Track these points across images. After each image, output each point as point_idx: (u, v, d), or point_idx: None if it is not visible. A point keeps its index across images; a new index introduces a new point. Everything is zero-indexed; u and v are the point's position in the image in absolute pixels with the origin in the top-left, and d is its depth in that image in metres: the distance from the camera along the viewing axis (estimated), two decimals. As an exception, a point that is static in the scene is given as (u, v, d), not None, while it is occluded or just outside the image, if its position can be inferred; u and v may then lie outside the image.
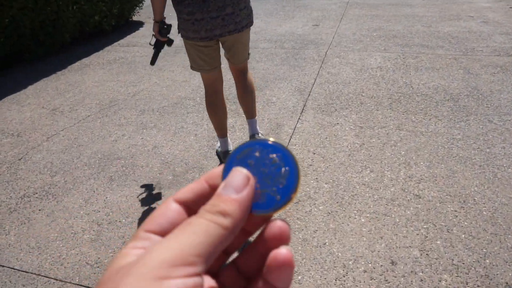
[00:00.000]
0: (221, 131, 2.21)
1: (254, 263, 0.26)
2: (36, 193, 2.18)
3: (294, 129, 2.57)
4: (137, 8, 5.87)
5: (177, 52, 4.28)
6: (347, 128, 2.52)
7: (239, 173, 0.26)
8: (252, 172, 0.26)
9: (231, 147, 2.27)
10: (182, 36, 1.93)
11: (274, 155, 0.27)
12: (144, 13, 6.27)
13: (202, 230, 0.22)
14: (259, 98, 3.02)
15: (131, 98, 3.27)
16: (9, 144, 2.69)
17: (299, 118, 2.70)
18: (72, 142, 2.65)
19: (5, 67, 4.17)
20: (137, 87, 3.48)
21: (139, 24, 5.80)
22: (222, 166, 0.27)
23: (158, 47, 2.05)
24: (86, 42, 4.95)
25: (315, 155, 2.27)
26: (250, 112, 2.24)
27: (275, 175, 0.26)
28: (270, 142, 0.27)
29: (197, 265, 0.21)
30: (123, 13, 5.49)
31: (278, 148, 0.27)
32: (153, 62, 2.09)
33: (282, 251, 0.24)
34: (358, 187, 1.97)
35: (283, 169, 0.26)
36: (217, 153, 2.37)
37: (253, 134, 2.32)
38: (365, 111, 2.71)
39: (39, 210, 2.04)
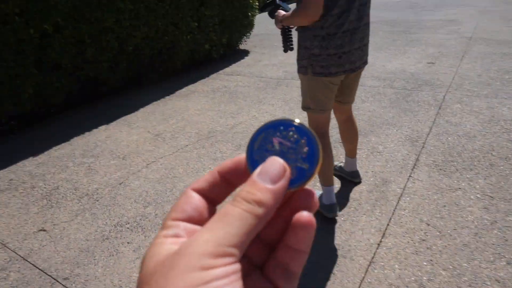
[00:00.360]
0: (328, 179, 2.00)
1: (276, 231, 0.28)
2: (128, 223, 2.21)
3: (404, 189, 2.21)
4: (245, 37, 6.07)
5: (279, 84, 4.22)
6: (472, 197, 2.08)
7: (277, 163, 0.27)
8: (276, 153, 0.28)
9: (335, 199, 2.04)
10: (314, 73, 1.79)
11: (289, 131, 0.28)
12: (251, 42, 6.45)
13: (237, 220, 0.23)
14: (363, 145, 2.72)
15: (229, 131, 3.25)
16: (114, 166, 2.85)
17: (410, 176, 2.33)
18: (168, 172, 2.69)
19: (123, 90, 4.57)
20: (236, 119, 3.47)
21: (245, 53, 5.96)
22: (237, 158, 0.29)
23: (283, 33, 1.95)
24: (195, 69, 5.23)
25: (429, 227, 1.89)
26: (354, 151, 2.25)
27: (296, 147, 0.28)
28: (279, 121, 0.28)
29: (234, 255, 0.23)
30: (231, 42, 5.71)
31: (288, 123, 0.28)
32: (285, 49, 1.98)
33: (304, 213, 0.26)
34: (489, 283, 1.55)
35: (301, 141, 0.28)
36: (320, 206, 2.02)
37: (354, 171, 2.31)
38: (497, 177, 2.23)
39: (128, 243, 2.05)
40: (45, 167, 2.90)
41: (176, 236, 0.26)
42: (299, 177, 0.27)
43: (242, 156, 0.29)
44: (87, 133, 3.45)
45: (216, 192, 0.29)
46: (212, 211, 0.29)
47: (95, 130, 3.50)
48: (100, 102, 4.26)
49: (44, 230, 2.19)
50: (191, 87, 4.54)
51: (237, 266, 0.23)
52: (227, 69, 5.15)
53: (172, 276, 0.21)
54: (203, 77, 4.86)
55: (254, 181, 0.26)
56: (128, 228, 2.17)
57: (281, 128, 0.28)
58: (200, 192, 0.28)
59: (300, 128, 0.28)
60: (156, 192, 2.47)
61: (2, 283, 1.84)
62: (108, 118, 3.75)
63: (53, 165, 2.91)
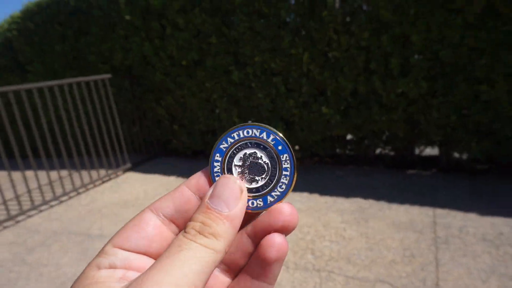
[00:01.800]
0: None
1: (236, 252, 0.25)
2: None
3: None
4: None
5: None
6: None
7: (231, 184, 0.24)
8: (243, 168, 0.25)
9: None
10: None
11: (269, 143, 0.25)
12: None
13: (195, 257, 0.20)
14: None
15: None
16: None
17: None
18: None
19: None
20: None
21: None
22: (204, 172, 0.26)
23: None
24: None
25: None
26: None
27: (275, 164, 0.25)
28: (259, 128, 0.25)
29: None
30: None
31: (269, 133, 0.25)
32: None
33: (275, 238, 0.23)
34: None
35: (282, 156, 0.25)
36: None
37: None
38: None
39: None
40: None
41: (112, 267, 0.22)
42: (264, 201, 0.25)
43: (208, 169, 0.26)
44: None
45: (183, 213, 0.25)
46: (169, 239, 0.25)
47: None
48: None
49: None
50: None
51: None
52: None
53: None
54: None
55: (207, 208, 0.23)
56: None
57: (260, 136, 0.26)
58: (164, 213, 0.25)
59: (283, 142, 0.26)
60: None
61: None
62: None
63: None
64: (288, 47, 2.91)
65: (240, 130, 0.26)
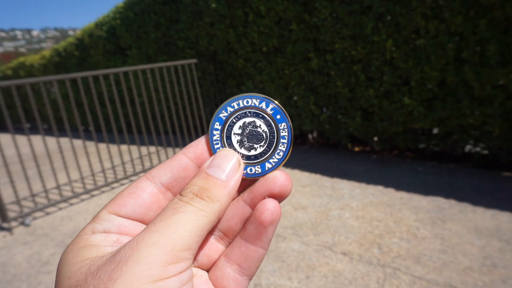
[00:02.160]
0: None
1: (231, 219, 0.26)
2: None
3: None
4: None
5: None
6: None
7: (230, 156, 0.24)
8: (242, 136, 0.26)
9: None
10: None
11: (266, 111, 0.26)
12: None
13: (190, 219, 0.21)
14: None
15: None
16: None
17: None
18: None
19: None
20: None
21: None
22: (205, 137, 0.26)
23: None
24: None
25: None
26: None
27: (273, 132, 0.25)
28: (256, 97, 0.26)
29: (187, 259, 0.20)
30: None
31: (268, 102, 0.26)
32: None
33: (269, 203, 0.24)
34: None
35: (281, 125, 0.26)
36: None
37: None
38: None
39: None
40: None
41: (106, 231, 0.23)
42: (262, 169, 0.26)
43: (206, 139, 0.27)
44: None
45: (180, 181, 0.26)
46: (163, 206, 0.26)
47: None
48: None
49: None
50: None
51: (191, 273, 0.21)
52: None
53: (117, 285, 0.18)
54: None
55: (206, 174, 0.24)
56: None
57: (260, 106, 0.27)
58: (161, 181, 0.25)
59: (281, 112, 0.27)
60: None
61: None
62: None
63: None
64: (371, 33, 2.78)
65: (240, 99, 0.27)
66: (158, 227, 0.20)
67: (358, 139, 3.46)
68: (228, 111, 0.26)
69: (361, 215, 2.17)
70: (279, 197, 0.25)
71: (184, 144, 4.30)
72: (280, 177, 0.25)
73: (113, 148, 4.53)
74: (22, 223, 2.80)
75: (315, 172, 3.01)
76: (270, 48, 3.58)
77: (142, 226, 0.24)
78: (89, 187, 3.23)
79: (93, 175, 3.21)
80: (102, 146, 4.54)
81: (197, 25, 4.19)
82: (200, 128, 4.32)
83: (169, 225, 0.20)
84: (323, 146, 3.74)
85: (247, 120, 0.26)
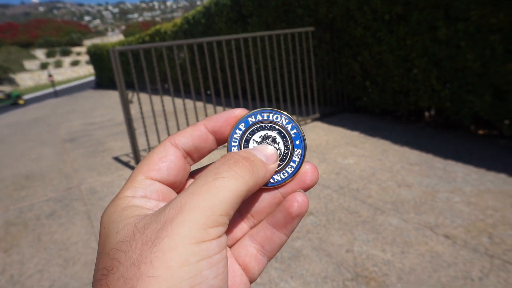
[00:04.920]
0: None
1: (258, 202, 0.28)
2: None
3: None
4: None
5: None
6: None
7: (272, 149, 0.26)
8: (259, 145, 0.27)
9: None
10: None
11: (285, 130, 0.27)
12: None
13: (231, 185, 0.21)
14: None
15: None
16: None
17: None
18: None
19: None
20: None
21: None
22: (226, 114, 0.27)
23: None
24: None
25: None
26: None
27: (290, 148, 0.27)
28: (276, 113, 0.27)
29: (225, 224, 0.21)
30: None
31: (289, 121, 0.27)
32: None
33: (298, 196, 0.26)
34: None
35: (296, 142, 0.27)
36: None
37: None
38: None
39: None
40: None
41: (145, 197, 0.23)
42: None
43: (232, 114, 0.28)
44: None
45: (199, 149, 0.27)
46: (188, 173, 0.27)
47: None
48: None
49: None
50: None
51: (226, 239, 0.22)
52: None
53: (161, 249, 0.19)
54: None
55: (248, 151, 0.25)
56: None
57: (285, 125, 0.28)
58: (182, 148, 0.26)
59: (297, 128, 0.28)
60: None
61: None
62: None
63: None
64: (519, -2, 2.38)
65: (270, 113, 0.28)
66: (200, 191, 0.21)
67: (484, 121, 3.07)
68: (257, 118, 0.28)
69: (474, 201, 1.99)
70: (307, 188, 0.27)
71: (293, 112, 4.41)
72: (309, 171, 0.27)
73: (219, 109, 4.89)
74: (152, 166, 3.30)
75: (427, 151, 2.81)
76: (393, 15, 3.35)
77: (174, 194, 0.26)
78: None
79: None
80: (219, 109, 4.94)
81: (317, -8, 4.13)
82: (311, 97, 4.35)
83: (210, 189, 0.21)
84: (441, 125, 3.43)
85: (269, 133, 0.27)
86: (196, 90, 8.10)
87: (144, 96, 4.45)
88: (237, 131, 0.27)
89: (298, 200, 0.26)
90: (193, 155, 0.27)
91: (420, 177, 2.38)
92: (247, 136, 0.27)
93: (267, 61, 4.27)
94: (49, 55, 45.99)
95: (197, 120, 3.48)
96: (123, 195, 0.23)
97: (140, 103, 3.12)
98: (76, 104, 11.74)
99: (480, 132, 3.12)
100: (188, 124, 3.41)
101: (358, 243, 1.75)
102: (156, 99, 4.88)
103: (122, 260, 0.19)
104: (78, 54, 48.26)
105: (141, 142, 3.77)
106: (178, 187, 0.26)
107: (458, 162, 2.53)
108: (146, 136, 3.25)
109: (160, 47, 3.18)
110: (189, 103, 4.37)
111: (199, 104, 5.45)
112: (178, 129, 3.41)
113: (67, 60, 45.49)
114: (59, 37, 53.48)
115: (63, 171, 3.69)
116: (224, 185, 0.21)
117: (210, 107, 5.42)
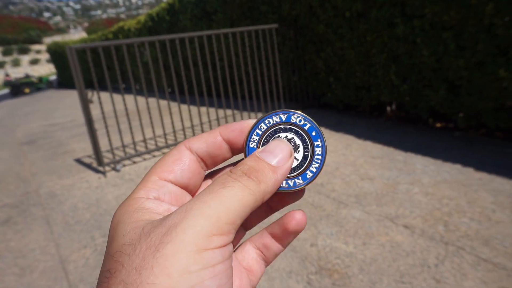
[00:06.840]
0: None
1: (258, 215, 0.29)
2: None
3: None
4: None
5: None
6: None
7: (284, 145, 0.25)
8: None
9: None
10: None
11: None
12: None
13: (237, 195, 0.21)
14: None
15: None
16: None
17: None
18: None
19: None
20: None
21: None
22: (242, 124, 0.26)
23: None
24: None
25: None
26: None
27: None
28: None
29: (230, 233, 0.21)
30: None
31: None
32: None
33: (297, 214, 0.26)
34: None
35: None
36: None
37: None
38: None
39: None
40: None
41: (158, 199, 0.24)
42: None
43: (249, 122, 0.27)
44: None
45: (212, 156, 0.27)
46: (202, 177, 0.27)
47: None
48: None
49: None
50: None
51: (231, 249, 0.21)
52: None
53: (163, 255, 0.19)
54: None
55: (257, 156, 0.24)
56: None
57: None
58: (196, 152, 0.26)
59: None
60: None
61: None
62: None
63: None
64: (469, -4, 2.50)
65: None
66: (206, 199, 0.21)
67: (440, 114, 3.21)
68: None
69: (431, 191, 2.08)
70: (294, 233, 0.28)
71: (259, 109, 4.42)
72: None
73: (194, 109, 4.84)
74: (114, 169, 3.21)
75: (388, 145, 2.90)
76: (353, 13, 3.42)
77: (189, 197, 0.26)
78: (170, 142, 3.54)
79: (174, 132, 3.50)
80: (184, 107, 4.88)
81: (280, -11, 4.15)
82: (276, 94, 4.38)
83: (216, 198, 0.21)
84: (401, 119, 3.55)
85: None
86: (160, 89, 7.95)
87: (105, 95, 4.31)
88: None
89: (297, 217, 0.26)
90: (207, 161, 0.27)
91: (382, 170, 2.45)
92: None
93: (231, 58, 4.25)
94: (5, 53, 43.65)
95: (161, 119, 3.42)
96: (136, 196, 0.23)
97: (100, 103, 3.02)
98: (36, 105, 11.22)
99: (438, 125, 3.26)
100: (152, 124, 3.34)
101: (322, 237, 1.78)
102: (118, 98, 4.74)
103: (125, 263, 0.19)
104: (38, 52, 46.08)
105: (104, 143, 3.65)
106: (192, 191, 0.27)
107: (418, 154, 2.63)
108: (108, 136, 3.15)
109: (121, 45, 3.08)
110: (154, 102, 4.30)
111: (163, 103, 5.35)
112: (142, 129, 3.33)
113: (25, 58, 43.34)
114: (16, 34, 50.84)
115: (20, 175, 3.51)
116: (231, 194, 0.21)
117: (174, 105, 5.35)
